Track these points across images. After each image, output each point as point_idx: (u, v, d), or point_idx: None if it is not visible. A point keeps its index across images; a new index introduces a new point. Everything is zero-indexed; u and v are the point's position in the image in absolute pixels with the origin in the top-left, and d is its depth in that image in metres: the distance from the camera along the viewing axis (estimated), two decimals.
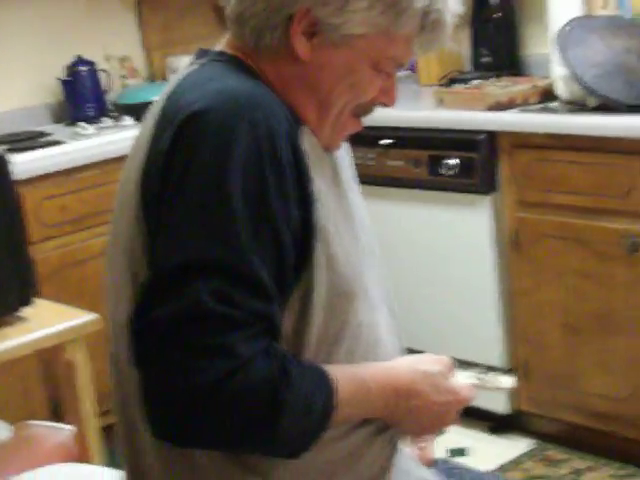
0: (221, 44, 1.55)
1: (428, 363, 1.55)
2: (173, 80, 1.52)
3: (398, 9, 1.44)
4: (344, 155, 1.62)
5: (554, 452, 3.58)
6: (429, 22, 1.47)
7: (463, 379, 1.62)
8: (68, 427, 2.53)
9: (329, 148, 1.54)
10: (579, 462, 3.49)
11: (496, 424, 3.74)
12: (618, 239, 3.23)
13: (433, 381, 1.53)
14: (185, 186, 1.36)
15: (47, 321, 2.37)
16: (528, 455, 3.58)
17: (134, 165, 1.47)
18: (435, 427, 1.58)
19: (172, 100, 1.45)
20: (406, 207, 3.75)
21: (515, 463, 3.54)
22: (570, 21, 3.46)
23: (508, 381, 1.75)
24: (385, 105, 1.55)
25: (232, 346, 1.32)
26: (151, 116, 1.49)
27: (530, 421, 3.69)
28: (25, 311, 2.36)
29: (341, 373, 1.44)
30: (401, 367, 1.53)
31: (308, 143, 1.47)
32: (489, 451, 3.63)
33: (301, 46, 1.45)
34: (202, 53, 1.55)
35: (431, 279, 3.74)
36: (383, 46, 1.47)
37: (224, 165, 1.35)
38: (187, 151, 1.37)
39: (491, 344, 3.61)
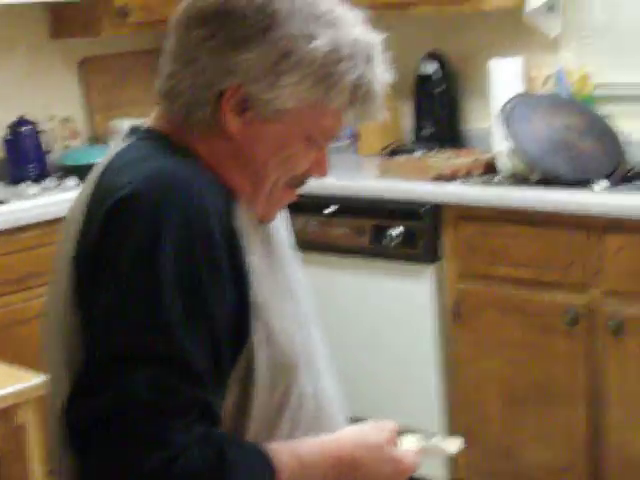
0: (152, 118, 1.55)
1: (372, 434, 1.55)
2: (105, 159, 1.51)
3: (328, 83, 1.44)
4: (280, 225, 1.63)
5: None
6: (360, 95, 1.47)
7: (409, 445, 1.61)
8: None
9: (265, 219, 1.54)
10: None
11: None
12: (559, 311, 3.29)
13: (377, 452, 1.53)
14: (116, 274, 1.35)
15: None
16: None
17: (67, 244, 1.46)
18: None
19: (102, 181, 1.44)
20: (349, 275, 3.78)
21: None
22: (513, 97, 3.55)
23: (455, 445, 1.70)
24: (317, 177, 1.55)
25: (168, 435, 1.31)
26: (84, 194, 1.48)
27: None
28: None
29: (281, 451, 1.44)
30: (344, 440, 1.53)
31: (243, 219, 1.47)
32: None
33: (232, 122, 1.45)
34: (133, 130, 1.55)
35: (372, 347, 3.76)
36: (314, 119, 1.47)
37: (154, 252, 1.34)
38: (117, 239, 1.36)
39: (432, 413, 3.63)
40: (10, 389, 2.33)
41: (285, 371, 1.48)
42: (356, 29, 1.48)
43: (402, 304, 3.65)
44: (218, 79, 1.44)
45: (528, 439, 3.44)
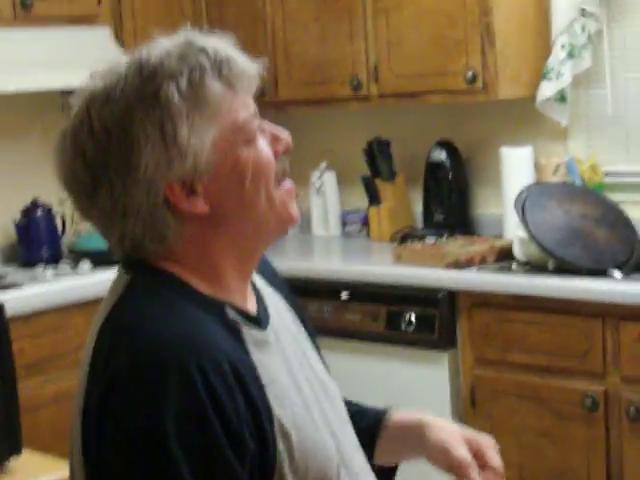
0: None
1: None
2: (106, 301, 1.49)
3: (203, 105, 1.42)
4: (287, 326, 1.62)
5: None
6: (227, 81, 1.45)
7: None
8: None
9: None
10: None
11: None
12: (576, 398, 3.31)
13: None
14: (120, 454, 1.34)
15: (33, 472, 2.33)
16: None
17: (78, 391, 1.46)
18: None
19: (103, 339, 1.42)
20: (364, 360, 3.79)
21: None
22: (527, 186, 3.61)
23: None
24: (286, 149, 1.52)
25: None
26: (90, 339, 1.46)
27: None
28: (13, 460, 2.32)
29: None
30: None
31: (253, 343, 1.46)
32: None
33: (194, 206, 1.44)
34: (130, 265, 1.51)
35: None
36: (232, 127, 1.45)
37: (159, 428, 1.32)
38: (118, 415, 1.35)
39: None
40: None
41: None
42: (164, 44, 1.45)
43: (418, 390, 3.66)
44: (154, 199, 1.42)
45: None
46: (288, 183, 1.53)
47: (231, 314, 1.47)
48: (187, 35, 1.48)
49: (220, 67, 1.45)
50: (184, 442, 1.32)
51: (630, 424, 3.22)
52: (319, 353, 1.72)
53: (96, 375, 1.40)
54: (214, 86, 1.44)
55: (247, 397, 1.39)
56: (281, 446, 1.43)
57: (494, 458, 1.70)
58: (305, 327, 1.71)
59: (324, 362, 1.72)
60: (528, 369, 3.42)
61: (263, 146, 1.49)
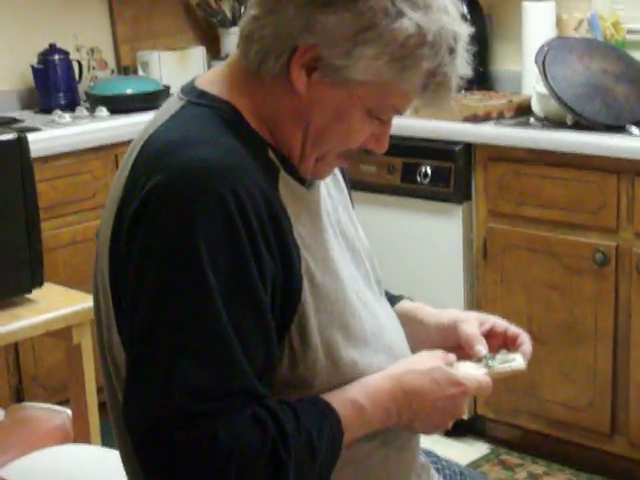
0: (220, 69, 1.55)
1: (422, 362, 1.56)
2: (154, 120, 1.52)
3: (404, 65, 1.42)
4: (328, 192, 1.64)
5: (509, 457, 3.68)
6: (433, 83, 1.45)
7: (472, 370, 1.61)
8: (63, 409, 2.55)
9: (313, 178, 1.55)
10: (534, 467, 3.60)
11: (453, 427, 3.81)
12: (587, 253, 3.35)
13: (432, 378, 1.53)
14: (153, 267, 1.36)
15: (56, 304, 2.38)
16: (485, 459, 3.68)
17: (108, 215, 1.48)
18: (446, 421, 1.57)
19: (145, 154, 1.45)
20: (378, 212, 3.82)
21: (472, 466, 3.63)
22: (549, 41, 3.58)
23: (519, 363, 1.67)
24: (373, 151, 1.53)
25: (215, 436, 1.33)
26: (126, 163, 1.49)
27: (487, 426, 3.79)
28: (35, 293, 2.37)
29: (336, 403, 1.47)
30: (395, 373, 1.54)
31: (286, 189, 1.48)
32: (446, 454, 3.70)
33: (298, 79, 1.44)
34: (185, 91, 1.54)
35: (400, 284, 3.80)
36: (382, 96, 1.45)
37: (190, 240, 1.35)
38: (148, 231, 1.38)
39: None
40: (68, 310, 2.37)
41: (339, 325, 1.51)
42: (446, 16, 1.44)
43: (432, 242, 3.70)
44: (297, 34, 1.42)
45: (551, 377, 3.51)
46: (345, 163, 1.56)
47: (272, 156, 1.49)
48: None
49: (440, 68, 1.44)
50: (212, 257, 1.35)
51: (639, 280, 3.26)
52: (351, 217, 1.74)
53: (133, 191, 1.42)
54: (425, 68, 1.43)
55: (277, 229, 1.42)
56: (306, 284, 1.46)
57: (511, 327, 1.73)
58: (346, 185, 1.75)
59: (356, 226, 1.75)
60: (541, 223, 3.45)
61: (369, 129, 1.49)
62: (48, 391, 3.64)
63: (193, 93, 1.52)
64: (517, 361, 1.67)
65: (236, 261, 1.37)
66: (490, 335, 1.72)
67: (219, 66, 1.57)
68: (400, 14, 1.41)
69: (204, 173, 1.38)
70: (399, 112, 1.50)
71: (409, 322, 1.78)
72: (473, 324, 1.71)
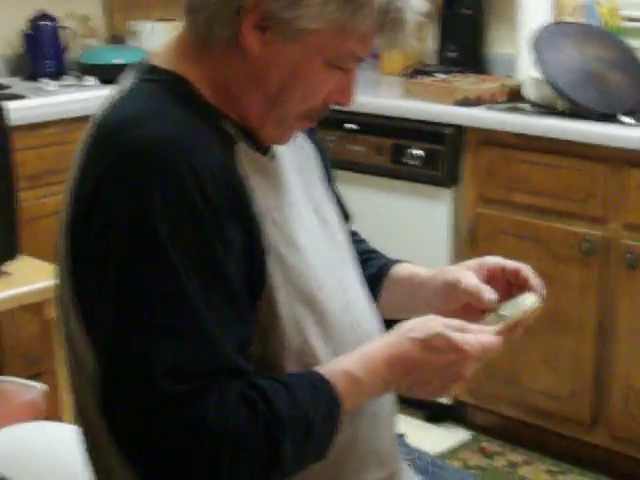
0: (170, 42, 1.51)
1: (417, 329, 1.47)
2: (107, 99, 1.48)
3: (355, 6, 1.38)
4: (299, 154, 1.61)
5: (489, 444, 3.66)
6: (388, 20, 1.40)
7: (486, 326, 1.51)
8: (37, 384, 2.51)
9: (276, 142, 1.51)
10: (514, 455, 3.58)
11: (434, 413, 3.80)
12: (575, 241, 3.31)
13: (430, 344, 1.44)
14: (109, 259, 1.34)
15: (30, 277, 2.34)
16: (464, 446, 3.66)
17: (66, 197, 1.46)
18: (448, 386, 1.48)
19: (96, 134, 1.41)
20: (366, 193, 3.78)
21: (451, 452, 3.61)
22: (544, 26, 3.53)
23: (531, 301, 1.57)
24: (340, 104, 1.49)
25: (204, 419, 1.31)
26: (81, 144, 1.45)
27: (468, 412, 3.76)
28: (11, 265, 2.34)
29: (330, 375, 1.43)
30: (393, 341, 1.47)
31: (245, 160, 1.45)
32: (425, 439, 3.68)
33: (250, 40, 1.40)
34: (136, 68, 1.51)
35: None
36: (339, 42, 1.41)
37: (148, 218, 1.32)
38: (106, 211, 1.35)
39: None
40: (42, 284, 2.33)
41: (304, 300, 1.48)
42: None
43: (419, 225, 3.66)
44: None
45: (534, 365, 3.49)
46: (312, 123, 1.51)
47: (228, 127, 1.46)
48: None
49: (393, 3, 1.40)
50: (175, 237, 1.32)
51: (626, 271, 3.22)
52: (331, 186, 1.71)
53: (87, 175, 1.40)
54: (376, 6, 1.39)
55: (236, 202, 1.39)
56: (271, 257, 1.43)
57: (508, 264, 1.65)
58: (322, 158, 1.70)
59: (337, 196, 1.72)
60: (530, 210, 3.42)
61: (332, 81, 1.45)
62: (26, 363, 3.61)
63: (144, 69, 1.49)
64: (529, 300, 1.58)
65: (200, 239, 1.34)
66: (492, 279, 1.64)
67: (170, 40, 1.53)
68: None
69: (157, 150, 1.34)
70: (360, 58, 1.46)
71: (407, 289, 1.74)
72: (470, 277, 1.63)
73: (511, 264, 1.67)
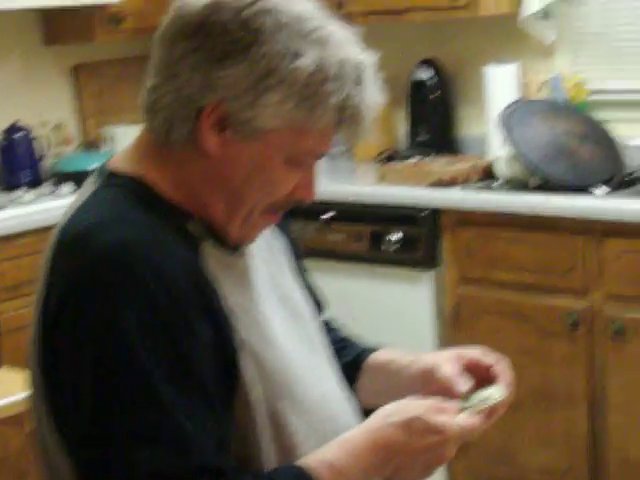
0: (131, 143, 1.52)
1: (396, 413, 1.47)
2: (70, 205, 1.48)
3: (312, 104, 1.38)
4: (267, 246, 1.61)
5: None
6: (346, 116, 1.41)
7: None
8: None
9: (242, 242, 1.50)
10: None
11: None
12: (559, 315, 3.31)
13: (410, 429, 1.44)
14: (82, 371, 1.33)
15: (10, 389, 2.32)
16: None
17: (35, 309, 1.46)
18: (430, 469, 1.48)
19: (60, 243, 1.42)
20: (347, 281, 3.78)
21: None
22: (512, 103, 3.57)
23: (493, 398, 1.58)
24: (302, 200, 1.49)
25: None
26: (49, 250, 1.45)
27: None
28: None
29: (310, 467, 1.42)
30: (373, 427, 1.47)
31: (213, 259, 1.45)
32: None
33: (210, 141, 1.40)
34: (98, 173, 1.51)
35: None
36: (298, 140, 1.42)
37: (117, 324, 1.32)
38: (74, 321, 1.35)
39: None
40: (22, 395, 2.30)
41: (281, 395, 1.47)
42: (346, 49, 1.41)
43: (401, 310, 3.65)
44: (199, 94, 1.39)
45: (528, 443, 3.45)
46: (275, 218, 1.52)
47: (193, 226, 1.46)
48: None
49: (349, 100, 1.40)
50: (146, 345, 1.32)
51: (613, 341, 3.21)
52: (303, 277, 1.70)
53: (54, 280, 1.39)
54: (333, 103, 1.39)
55: (205, 301, 1.39)
56: (243, 355, 1.42)
57: (483, 360, 1.66)
58: (293, 250, 1.70)
59: (310, 286, 1.71)
60: (511, 287, 3.42)
61: (294, 178, 1.45)
62: (14, 478, 3.55)
63: (104, 175, 1.49)
64: (491, 398, 1.59)
65: (170, 342, 1.34)
66: (471, 368, 1.65)
67: (129, 143, 1.53)
68: (297, 55, 1.38)
69: (121, 257, 1.35)
70: (319, 155, 1.47)
71: (384, 376, 1.73)
72: (448, 365, 1.63)
73: (486, 360, 1.66)
